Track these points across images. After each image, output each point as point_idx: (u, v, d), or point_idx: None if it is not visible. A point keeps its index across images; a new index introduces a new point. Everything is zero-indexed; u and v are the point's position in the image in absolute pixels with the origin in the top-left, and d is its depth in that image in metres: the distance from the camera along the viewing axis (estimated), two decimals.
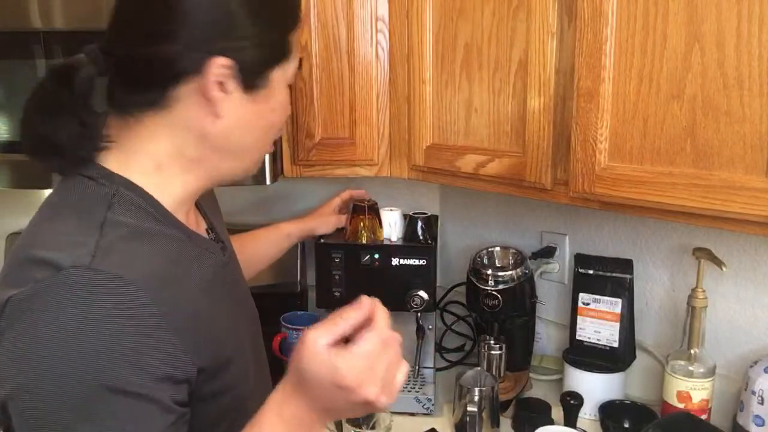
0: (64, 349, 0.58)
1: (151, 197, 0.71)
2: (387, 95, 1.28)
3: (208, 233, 0.84)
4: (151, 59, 0.67)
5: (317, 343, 0.65)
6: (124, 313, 0.60)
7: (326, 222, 1.33)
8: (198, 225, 0.82)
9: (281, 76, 0.74)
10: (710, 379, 1.11)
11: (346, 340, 0.67)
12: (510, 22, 1.05)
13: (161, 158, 0.71)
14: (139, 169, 0.71)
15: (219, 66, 0.67)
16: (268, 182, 1.23)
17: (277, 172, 1.28)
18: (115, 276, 0.61)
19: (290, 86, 0.78)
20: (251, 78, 0.71)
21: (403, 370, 0.69)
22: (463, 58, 1.14)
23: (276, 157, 1.26)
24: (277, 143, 1.27)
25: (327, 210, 1.35)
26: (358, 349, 0.66)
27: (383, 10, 1.25)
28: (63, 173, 0.70)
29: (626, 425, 1.20)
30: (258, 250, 1.27)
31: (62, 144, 0.66)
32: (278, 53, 0.73)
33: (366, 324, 0.68)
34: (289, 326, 1.49)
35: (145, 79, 0.69)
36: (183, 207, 0.76)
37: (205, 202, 0.88)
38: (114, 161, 0.70)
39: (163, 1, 0.67)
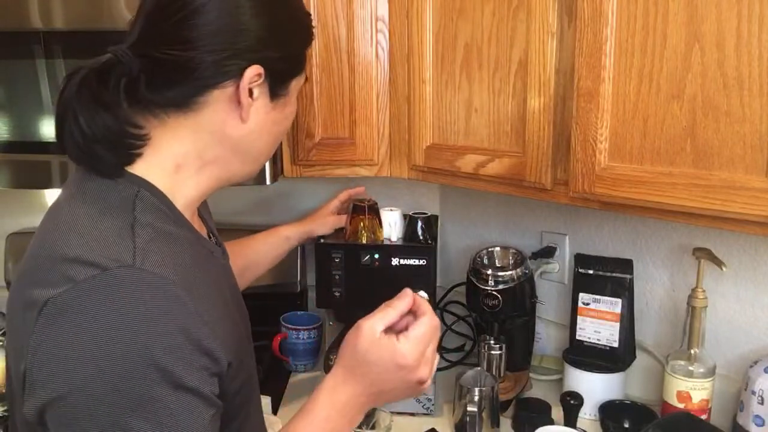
0: (116, 347, 0.59)
1: (166, 198, 0.72)
2: (387, 95, 1.28)
3: (210, 236, 0.85)
4: (187, 63, 0.69)
5: (375, 330, 0.74)
6: (171, 311, 0.62)
7: (324, 223, 1.33)
8: (201, 228, 0.83)
9: (296, 86, 0.80)
10: (710, 379, 1.11)
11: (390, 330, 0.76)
12: (510, 22, 1.05)
13: (180, 159, 0.73)
14: (158, 170, 0.72)
15: (253, 75, 0.71)
16: (268, 182, 1.23)
17: (277, 172, 1.28)
18: (159, 275, 0.63)
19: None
20: (277, 87, 0.75)
21: (437, 358, 0.79)
22: (463, 58, 1.14)
23: (276, 157, 1.26)
24: None
25: (325, 211, 1.35)
26: (416, 332, 0.75)
27: (383, 10, 1.25)
28: (105, 174, 0.69)
29: (626, 425, 1.20)
30: (258, 254, 1.28)
31: (99, 143, 0.67)
32: (298, 65, 0.79)
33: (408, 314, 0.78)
34: (289, 326, 1.49)
35: (177, 82, 0.70)
36: (191, 209, 0.77)
37: (201, 206, 0.88)
38: (136, 162, 0.71)
39: (197, 9, 0.69)
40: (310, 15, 0.83)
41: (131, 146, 0.69)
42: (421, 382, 0.76)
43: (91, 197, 0.68)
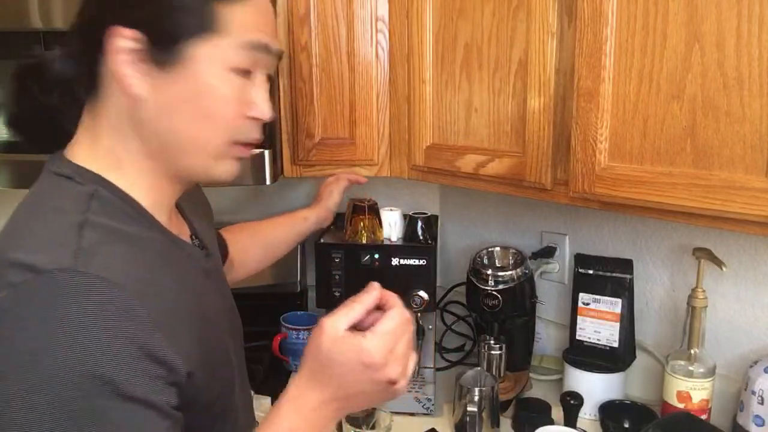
0: (53, 356, 0.54)
1: (129, 197, 0.68)
2: (387, 95, 1.28)
3: (192, 239, 0.81)
4: (74, 32, 0.65)
5: (338, 328, 0.66)
6: (114, 317, 0.57)
7: (330, 194, 1.35)
8: (180, 230, 0.79)
9: (207, 54, 0.66)
10: (710, 379, 1.11)
11: (355, 329, 0.68)
12: (510, 22, 1.05)
13: (119, 154, 0.68)
14: (106, 166, 0.68)
15: (122, 38, 0.63)
16: (268, 182, 1.22)
17: (277, 172, 1.28)
18: (101, 278, 0.58)
19: (246, 75, 0.69)
20: (160, 51, 0.64)
21: (413, 358, 0.70)
22: (463, 58, 1.14)
23: (276, 157, 1.26)
24: (277, 143, 1.27)
25: (325, 187, 1.37)
26: (382, 327, 0.67)
27: (383, 10, 1.25)
28: (41, 149, 0.68)
29: (626, 425, 1.20)
30: (277, 235, 1.28)
31: (51, 109, 0.66)
32: (192, 23, 0.65)
33: (375, 309, 0.70)
34: (289, 326, 1.49)
35: (77, 56, 0.67)
36: (162, 209, 0.73)
37: (190, 207, 0.85)
38: (84, 158, 0.68)
39: None
40: None
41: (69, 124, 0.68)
42: (393, 383, 0.67)
43: (45, 196, 0.66)
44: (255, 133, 0.73)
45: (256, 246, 1.25)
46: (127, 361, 0.57)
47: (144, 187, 0.70)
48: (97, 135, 0.68)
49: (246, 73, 0.69)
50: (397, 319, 0.68)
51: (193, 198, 0.85)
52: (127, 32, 0.63)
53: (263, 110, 0.71)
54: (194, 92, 0.66)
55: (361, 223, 1.29)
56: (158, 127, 0.68)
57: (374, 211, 1.30)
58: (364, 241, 1.28)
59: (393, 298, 0.71)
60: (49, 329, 0.55)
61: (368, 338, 0.66)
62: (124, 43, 0.63)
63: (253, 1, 0.69)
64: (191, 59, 0.65)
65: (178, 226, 0.78)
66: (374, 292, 0.70)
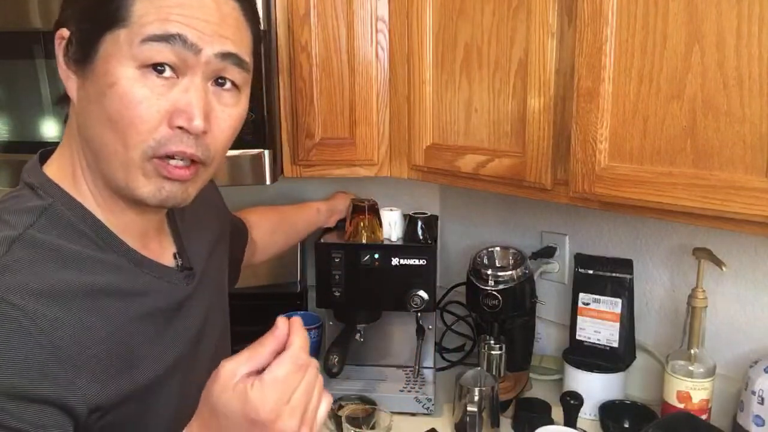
0: None
1: (90, 215, 0.65)
2: (387, 95, 1.28)
3: (176, 258, 0.77)
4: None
5: (235, 374, 0.57)
6: (4, 341, 0.54)
7: (344, 199, 1.42)
8: (162, 248, 0.75)
9: (114, 50, 0.60)
10: (710, 379, 1.11)
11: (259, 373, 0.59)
12: (510, 22, 1.05)
13: (74, 165, 0.65)
14: (67, 180, 0.65)
15: (60, 38, 0.62)
16: (268, 182, 1.23)
17: (277, 172, 1.28)
18: (3, 300, 0.55)
19: (159, 71, 0.61)
20: (78, 49, 0.61)
21: (325, 401, 0.61)
22: (463, 58, 1.14)
23: (276, 157, 1.26)
24: (277, 143, 1.27)
25: (338, 194, 1.47)
26: (270, 375, 0.57)
27: (383, 10, 1.25)
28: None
29: (626, 425, 1.20)
30: (298, 223, 1.33)
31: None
32: (105, 17, 0.60)
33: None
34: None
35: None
36: (132, 227, 0.68)
37: (190, 219, 0.81)
38: (55, 168, 0.66)
39: None
40: None
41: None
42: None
43: (3, 206, 0.64)
44: (181, 144, 0.63)
45: (281, 231, 1.30)
46: (7, 384, 0.54)
47: (100, 204, 0.66)
48: (64, 146, 0.66)
49: (169, 75, 0.62)
50: (288, 365, 0.58)
51: (199, 207, 0.80)
52: (63, 32, 0.62)
53: (190, 118, 0.62)
54: (101, 93, 0.60)
55: (361, 223, 1.29)
56: (87, 132, 0.64)
57: (374, 211, 1.30)
58: (364, 241, 1.28)
59: (297, 335, 0.60)
60: None
61: (254, 388, 0.56)
62: (61, 43, 0.62)
63: None
64: (102, 57, 0.60)
65: (158, 244, 0.74)
66: (279, 331, 0.60)
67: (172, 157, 0.63)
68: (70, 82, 0.63)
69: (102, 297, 0.63)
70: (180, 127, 0.62)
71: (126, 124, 0.61)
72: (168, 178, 0.64)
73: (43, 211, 0.63)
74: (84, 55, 0.61)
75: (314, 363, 0.61)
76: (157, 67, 0.61)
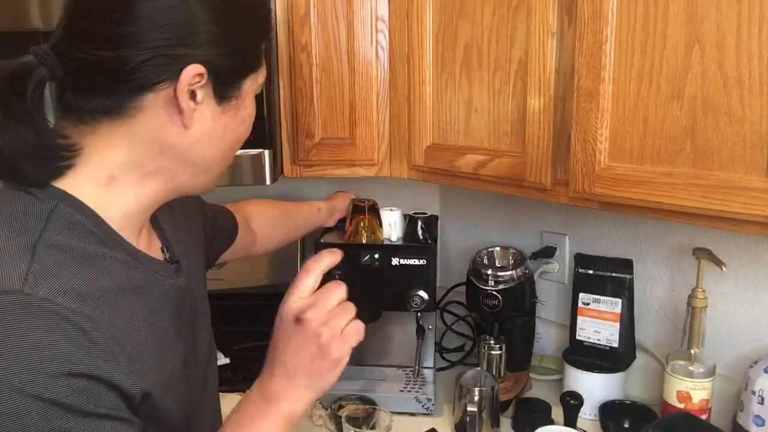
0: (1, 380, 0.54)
1: (94, 214, 0.65)
2: (387, 95, 1.28)
3: (163, 252, 0.78)
4: (115, 64, 0.62)
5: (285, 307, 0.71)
6: (62, 340, 0.57)
7: (343, 198, 1.43)
8: (150, 243, 0.76)
9: (251, 86, 0.72)
10: (710, 379, 1.11)
11: None
12: (510, 22, 1.05)
13: (115, 170, 0.66)
14: (88, 182, 0.65)
15: (193, 75, 0.63)
16: (268, 182, 1.23)
17: (277, 172, 1.28)
18: (50, 301, 0.57)
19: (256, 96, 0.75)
20: (224, 88, 0.68)
21: (358, 327, 0.71)
22: (463, 58, 1.14)
23: (276, 157, 1.26)
24: (277, 143, 1.27)
25: (338, 194, 1.49)
26: (300, 283, 0.72)
27: (383, 10, 1.25)
28: (32, 186, 0.64)
29: (626, 425, 1.20)
30: (300, 219, 1.35)
31: (17, 157, 0.61)
32: (250, 62, 0.71)
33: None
34: None
35: (106, 85, 0.63)
36: (133, 223, 0.70)
37: (166, 214, 0.82)
38: (85, 176, 0.66)
39: (125, 1, 0.61)
40: (267, 6, 0.77)
41: (57, 158, 0.63)
42: (318, 336, 0.69)
43: (3, 214, 0.63)
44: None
45: (281, 225, 1.31)
46: (73, 385, 0.57)
47: (126, 201, 0.68)
48: (87, 153, 0.65)
49: None
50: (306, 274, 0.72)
51: (174, 202, 0.82)
52: (199, 68, 0.64)
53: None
54: (237, 122, 0.71)
55: (361, 223, 1.29)
56: (191, 152, 0.69)
57: (374, 211, 1.30)
58: (364, 241, 1.28)
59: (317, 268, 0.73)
60: None
61: (289, 294, 0.72)
62: (194, 81, 0.64)
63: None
64: (243, 93, 0.70)
65: (148, 239, 0.76)
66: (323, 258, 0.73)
67: None
68: (195, 113, 0.66)
69: (120, 294, 0.65)
70: None
71: (243, 140, 0.74)
72: None
73: (49, 213, 0.62)
74: (230, 91, 0.68)
75: (343, 287, 0.73)
76: None
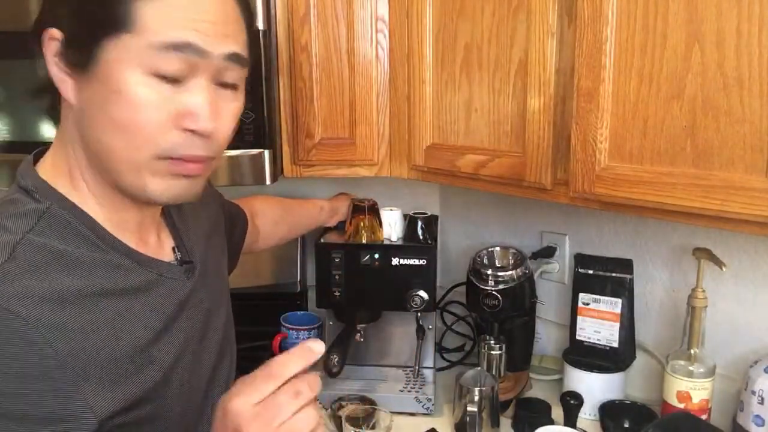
0: None
1: (88, 217, 0.64)
2: (387, 95, 1.28)
3: (174, 252, 0.77)
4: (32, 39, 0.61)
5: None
6: (7, 353, 0.54)
7: (344, 200, 1.43)
8: (160, 245, 0.75)
9: (120, 55, 0.59)
10: (710, 379, 1.11)
11: None
12: (510, 22, 1.05)
13: (71, 165, 0.65)
14: (69, 181, 0.65)
15: (51, 39, 0.59)
16: (268, 182, 1.23)
17: (277, 172, 1.28)
18: (4, 309, 0.54)
19: (174, 82, 0.61)
20: (76, 52, 0.59)
21: (308, 418, 0.60)
22: (463, 58, 1.14)
23: (276, 157, 1.26)
24: (277, 143, 1.27)
25: (340, 196, 1.47)
26: (254, 387, 0.60)
27: (383, 10, 1.25)
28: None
29: (626, 425, 1.20)
30: (302, 216, 1.35)
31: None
32: (107, 21, 0.58)
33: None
34: (289, 326, 1.49)
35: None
36: (129, 226, 0.68)
37: (185, 212, 0.81)
38: (50, 171, 0.65)
39: None
40: None
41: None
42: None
43: (0, 209, 0.63)
44: (193, 148, 0.63)
45: (284, 223, 1.31)
46: (12, 404, 0.54)
47: (101, 202, 0.66)
48: (58, 146, 0.65)
49: (176, 79, 0.61)
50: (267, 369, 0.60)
51: (198, 202, 0.81)
52: (54, 32, 0.59)
53: (200, 121, 0.62)
54: (105, 98, 0.60)
55: (361, 223, 1.29)
56: (90, 135, 0.63)
57: (374, 211, 1.30)
58: (364, 241, 1.28)
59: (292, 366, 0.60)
60: None
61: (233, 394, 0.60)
62: (52, 44, 0.59)
63: None
64: (105, 62, 0.59)
65: (157, 240, 0.74)
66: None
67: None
68: (65, 84, 0.61)
69: (106, 298, 0.63)
70: (190, 129, 0.63)
71: (135, 130, 0.60)
72: (181, 175, 0.65)
73: (41, 214, 0.62)
74: (83, 58, 0.59)
75: (307, 382, 0.61)
76: (169, 75, 0.61)
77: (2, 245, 0.58)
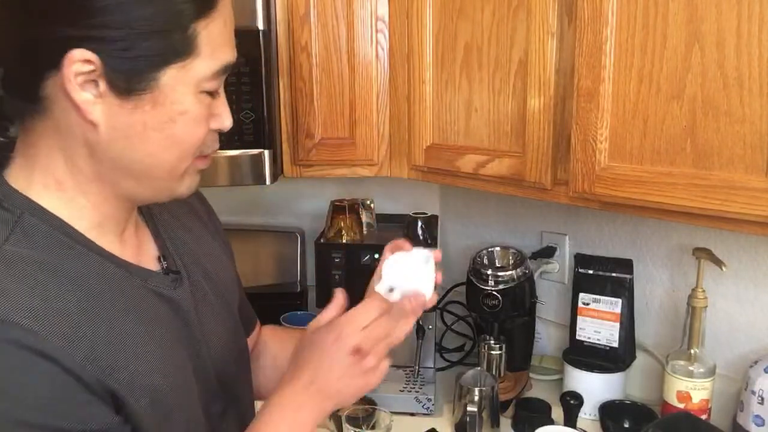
0: None
1: (63, 223, 0.62)
2: (387, 95, 1.28)
3: (160, 261, 0.73)
4: (12, 42, 0.57)
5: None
6: (5, 363, 0.53)
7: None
8: (141, 253, 0.72)
9: (180, 79, 0.60)
10: (710, 379, 1.11)
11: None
12: (510, 22, 1.05)
13: (59, 174, 0.62)
14: (43, 188, 0.62)
15: (79, 61, 0.56)
16: (268, 182, 1.23)
17: (277, 172, 1.28)
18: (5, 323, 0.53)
19: (212, 93, 0.64)
20: (125, 80, 0.58)
21: (385, 365, 0.76)
22: (463, 58, 1.14)
23: (276, 157, 1.26)
24: (277, 143, 1.27)
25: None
26: (361, 315, 0.76)
27: (383, 10, 1.25)
28: None
29: (626, 425, 1.20)
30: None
31: None
32: (170, 49, 0.59)
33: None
34: (289, 326, 1.49)
35: (13, 73, 0.59)
36: (108, 231, 0.66)
37: (172, 222, 0.78)
38: (21, 179, 0.63)
39: None
40: None
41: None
42: (357, 351, 0.72)
43: None
44: (216, 144, 0.69)
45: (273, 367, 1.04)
46: (17, 412, 0.53)
47: (87, 209, 0.64)
48: (33, 155, 0.62)
49: (216, 91, 0.65)
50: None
51: (180, 211, 0.79)
52: (87, 55, 0.56)
53: (226, 122, 0.67)
54: (165, 120, 0.61)
55: (342, 223, 1.29)
56: (113, 150, 0.61)
57: (354, 210, 1.30)
58: (344, 241, 1.28)
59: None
60: None
61: (342, 324, 0.74)
62: (83, 68, 0.56)
63: (222, 11, 0.62)
64: (166, 86, 0.60)
65: (137, 248, 0.71)
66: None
67: None
68: (97, 107, 0.59)
69: (98, 306, 0.61)
70: (215, 129, 0.67)
71: (192, 142, 0.64)
72: (199, 170, 0.69)
73: (13, 224, 0.59)
74: (134, 84, 0.58)
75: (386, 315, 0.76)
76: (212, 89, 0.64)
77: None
